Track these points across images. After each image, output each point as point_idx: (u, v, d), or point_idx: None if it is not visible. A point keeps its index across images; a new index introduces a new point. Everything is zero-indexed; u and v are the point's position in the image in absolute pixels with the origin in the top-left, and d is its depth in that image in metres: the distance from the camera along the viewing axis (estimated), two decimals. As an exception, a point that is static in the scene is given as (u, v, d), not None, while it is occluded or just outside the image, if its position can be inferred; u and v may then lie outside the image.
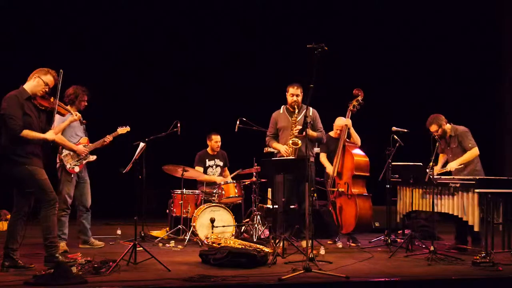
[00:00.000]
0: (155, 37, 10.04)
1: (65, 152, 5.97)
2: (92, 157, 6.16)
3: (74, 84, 6.01)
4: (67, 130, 5.94)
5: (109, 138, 6.23)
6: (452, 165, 6.12)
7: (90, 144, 6.15)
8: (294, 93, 6.11)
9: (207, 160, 7.50)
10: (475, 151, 6.16)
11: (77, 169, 6.00)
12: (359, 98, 6.68)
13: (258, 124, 6.89)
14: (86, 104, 6.09)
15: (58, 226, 5.85)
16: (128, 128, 6.39)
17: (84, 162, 6.08)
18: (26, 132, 4.62)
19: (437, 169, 6.31)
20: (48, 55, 8.71)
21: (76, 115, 5.61)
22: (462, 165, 6.12)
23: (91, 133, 6.30)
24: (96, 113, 6.41)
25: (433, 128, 6.24)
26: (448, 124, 6.29)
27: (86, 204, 6.15)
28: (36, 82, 4.78)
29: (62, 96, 5.04)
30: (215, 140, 7.50)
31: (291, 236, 6.11)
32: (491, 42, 10.19)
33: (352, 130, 6.74)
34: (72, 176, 5.99)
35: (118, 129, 6.35)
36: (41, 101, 4.79)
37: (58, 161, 5.99)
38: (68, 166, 5.94)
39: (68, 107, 5.99)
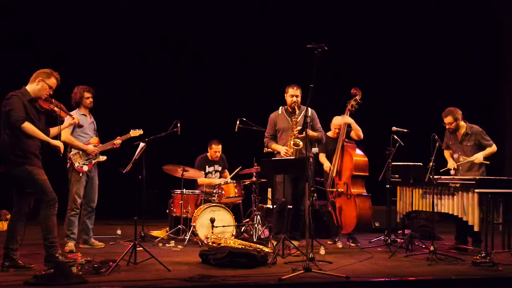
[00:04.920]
0: (156, 36, 10.04)
1: (73, 151, 6.01)
2: (102, 158, 6.20)
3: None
4: (76, 129, 6.01)
5: (119, 140, 6.27)
6: (479, 157, 6.08)
7: (100, 145, 6.19)
8: (293, 94, 6.10)
9: (206, 166, 7.51)
10: (495, 147, 6.20)
11: (85, 168, 6.03)
12: (357, 97, 6.67)
13: (258, 124, 6.89)
14: (91, 100, 6.15)
15: (67, 225, 5.93)
16: (141, 131, 6.41)
17: (93, 162, 6.11)
18: (28, 125, 4.60)
19: (452, 165, 6.28)
20: (49, 56, 8.75)
21: (75, 118, 5.59)
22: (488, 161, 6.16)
23: (103, 135, 6.35)
24: (106, 114, 6.45)
25: (448, 120, 6.24)
26: (463, 121, 6.29)
27: (92, 204, 6.17)
28: (41, 86, 4.77)
29: (63, 93, 5.04)
30: (215, 150, 7.50)
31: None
32: (491, 42, 10.19)
33: (354, 124, 6.70)
34: (81, 175, 6.01)
35: (130, 132, 6.38)
36: (41, 103, 4.79)
37: (67, 160, 6.02)
38: (76, 164, 5.97)
39: (77, 110, 6.05)
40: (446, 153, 6.48)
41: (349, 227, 6.59)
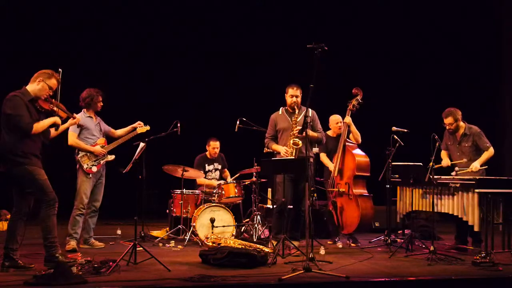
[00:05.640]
0: (156, 37, 10.04)
1: (81, 153, 6.02)
2: (111, 157, 6.21)
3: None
4: (83, 131, 6.03)
5: (126, 137, 6.28)
6: (476, 165, 6.08)
7: (107, 145, 6.19)
8: (293, 94, 6.10)
9: (206, 164, 7.53)
10: (492, 151, 6.19)
11: (94, 169, 6.04)
12: (359, 97, 6.69)
13: (258, 124, 6.89)
14: (102, 104, 6.17)
15: (71, 225, 5.94)
16: (147, 127, 6.42)
17: (102, 162, 6.12)
18: (35, 126, 4.65)
19: (446, 163, 6.30)
20: (48, 56, 8.74)
21: (76, 118, 5.60)
22: (486, 166, 6.17)
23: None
24: (111, 112, 6.47)
25: (449, 120, 6.24)
26: (462, 122, 6.30)
27: (96, 204, 6.18)
28: (41, 86, 4.78)
29: (63, 94, 5.03)
30: (213, 147, 7.53)
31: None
32: (491, 42, 10.19)
33: (353, 127, 6.73)
34: (90, 176, 6.02)
35: (137, 128, 6.37)
36: (41, 103, 4.80)
37: (76, 163, 6.05)
38: (85, 166, 5.99)
39: (84, 111, 6.06)
40: (443, 153, 6.48)
41: (350, 227, 6.59)
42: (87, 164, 6.01)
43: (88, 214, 6.14)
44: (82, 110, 6.14)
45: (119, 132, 6.37)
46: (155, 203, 9.40)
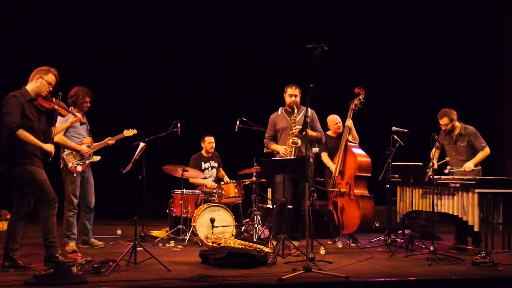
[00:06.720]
0: (156, 37, 10.04)
1: (67, 151, 5.98)
2: (96, 158, 6.17)
3: (77, 85, 6.07)
4: (70, 130, 5.98)
5: (112, 140, 6.25)
6: (470, 165, 6.09)
7: (94, 144, 6.17)
8: (292, 94, 6.11)
9: (202, 163, 7.53)
10: (487, 151, 6.19)
11: (79, 168, 6.00)
12: (361, 97, 6.68)
13: (257, 124, 6.89)
14: (88, 105, 6.12)
15: (66, 226, 5.92)
16: (134, 131, 6.40)
17: (87, 162, 6.08)
18: (22, 132, 4.58)
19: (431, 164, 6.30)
20: (46, 56, 8.75)
21: (76, 116, 5.61)
22: (479, 167, 6.17)
23: (97, 134, 6.31)
24: (101, 113, 6.44)
25: (444, 121, 6.25)
26: (457, 122, 6.30)
27: (90, 204, 6.14)
28: (39, 83, 4.78)
29: (63, 94, 5.04)
30: (209, 141, 7.56)
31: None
32: (491, 42, 10.19)
33: (353, 130, 6.75)
34: (75, 175, 5.99)
35: (124, 132, 6.37)
36: (42, 102, 4.79)
37: (61, 161, 6.00)
38: (70, 165, 5.95)
39: (71, 109, 6.04)
40: (436, 153, 6.45)
41: (351, 227, 6.59)
42: (72, 163, 5.96)
43: (84, 216, 6.12)
44: (70, 108, 6.10)
45: (94, 145, 6.23)
46: (155, 203, 9.40)
